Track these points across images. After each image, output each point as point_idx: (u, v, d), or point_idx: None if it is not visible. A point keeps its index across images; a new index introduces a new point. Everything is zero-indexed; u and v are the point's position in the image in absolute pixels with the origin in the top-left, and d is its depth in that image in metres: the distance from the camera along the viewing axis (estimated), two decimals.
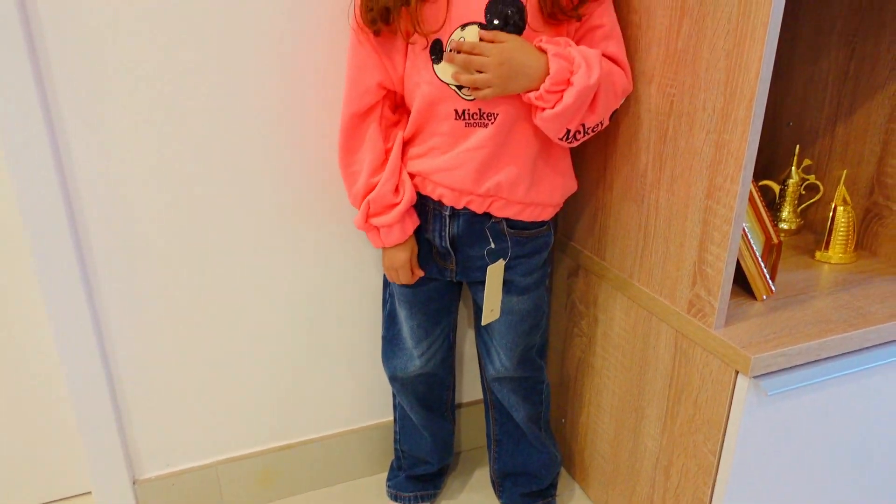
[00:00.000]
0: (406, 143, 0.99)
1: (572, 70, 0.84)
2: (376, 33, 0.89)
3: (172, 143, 1.01)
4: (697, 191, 0.88)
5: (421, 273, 1.04)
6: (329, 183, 1.11)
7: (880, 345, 0.89)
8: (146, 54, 0.96)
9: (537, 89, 0.86)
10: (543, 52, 0.86)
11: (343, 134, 0.97)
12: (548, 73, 0.84)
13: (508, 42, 0.85)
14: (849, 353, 0.88)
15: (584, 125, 0.90)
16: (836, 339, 0.85)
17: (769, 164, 1.27)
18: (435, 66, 0.90)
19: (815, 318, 0.90)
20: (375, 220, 0.97)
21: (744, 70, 0.77)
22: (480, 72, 0.85)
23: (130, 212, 1.03)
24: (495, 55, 0.84)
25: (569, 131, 0.90)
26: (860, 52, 1.07)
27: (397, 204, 0.96)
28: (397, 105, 0.99)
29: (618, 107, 0.94)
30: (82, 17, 0.91)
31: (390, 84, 0.95)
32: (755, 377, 0.83)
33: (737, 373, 0.84)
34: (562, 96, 0.85)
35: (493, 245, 1.01)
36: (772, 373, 0.84)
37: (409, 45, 0.90)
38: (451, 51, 0.87)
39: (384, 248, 1.01)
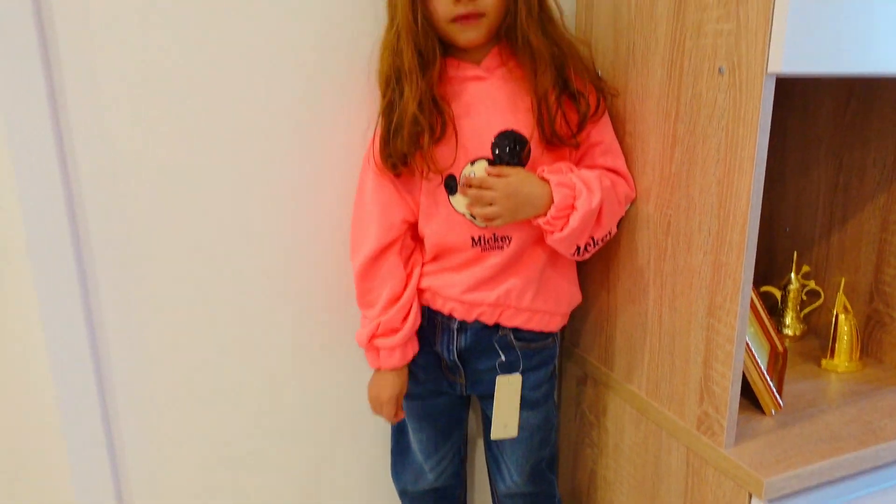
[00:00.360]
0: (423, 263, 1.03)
1: (575, 195, 0.89)
2: (397, 176, 0.95)
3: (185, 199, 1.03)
4: (699, 308, 0.89)
5: (402, 415, 1.05)
6: (339, 292, 1.13)
7: (893, 462, 0.88)
8: (154, 65, 0.96)
9: (544, 215, 0.90)
10: (546, 181, 0.91)
11: (365, 265, 0.98)
12: (552, 201, 0.89)
13: (513, 176, 0.90)
14: (862, 472, 0.87)
15: (592, 238, 0.95)
16: (848, 458, 0.85)
17: (768, 268, 1.29)
18: (451, 198, 0.95)
19: (826, 435, 0.89)
20: (379, 341, 0.99)
21: (735, 197, 0.81)
22: (491, 204, 0.90)
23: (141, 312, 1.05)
24: (502, 189, 0.89)
25: (579, 247, 0.94)
26: (848, 166, 1.12)
27: (400, 329, 0.98)
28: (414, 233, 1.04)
29: (623, 213, 0.99)
30: (97, 25, 0.92)
31: (412, 217, 1.00)
32: (769, 501, 0.82)
33: (750, 495, 0.83)
34: (568, 220, 0.90)
35: (502, 357, 1.02)
36: (786, 496, 0.82)
37: (424, 181, 0.96)
38: (462, 185, 0.93)
39: (375, 374, 1.03)
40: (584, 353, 1.18)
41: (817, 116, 1.16)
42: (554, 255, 0.99)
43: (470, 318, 1.00)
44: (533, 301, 0.99)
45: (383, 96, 0.94)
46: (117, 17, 0.93)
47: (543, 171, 0.92)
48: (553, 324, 1.04)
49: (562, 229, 0.90)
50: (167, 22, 0.94)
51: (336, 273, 1.11)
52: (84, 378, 1.05)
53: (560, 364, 1.27)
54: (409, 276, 1.01)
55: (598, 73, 0.98)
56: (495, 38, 0.92)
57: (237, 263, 1.07)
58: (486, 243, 0.96)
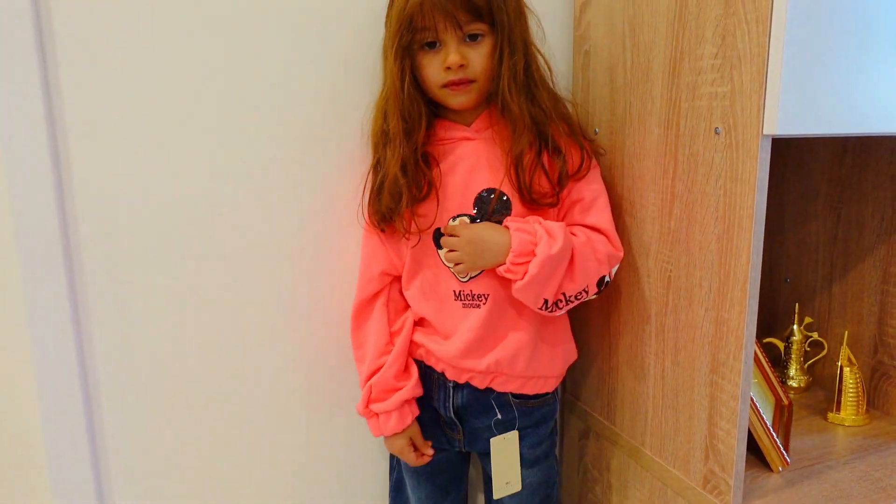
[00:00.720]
0: (414, 323, 1.03)
1: (535, 242, 0.88)
2: (383, 231, 0.97)
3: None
4: (702, 364, 0.89)
5: (430, 453, 1.03)
6: (336, 344, 1.12)
7: None
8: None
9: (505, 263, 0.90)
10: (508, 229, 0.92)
11: (352, 319, 1.02)
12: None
13: (477, 225, 0.92)
14: None
15: (564, 294, 0.92)
16: None
17: (770, 319, 1.29)
18: (439, 251, 0.96)
19: (835, 494, 0.88)
20: (375, 406, 0.98)
21: (735, 255, 0.81)
22: (455, 251, 0.93)
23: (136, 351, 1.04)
24: (464, 235, 0.92)
25: (546, 301, 0.91)
26: (846, 218, 1.13)
27: (399, 389, 0.98)
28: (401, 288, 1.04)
29: (607, 273, 0.95)
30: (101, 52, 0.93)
31: (394, 271, 1.01)
32: None
33: None
34: (527, 267, 0.88)
35: (499, 416, 1.01)
36: None
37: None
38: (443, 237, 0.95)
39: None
40: (586, 407, 1.17)
41: (814, 170, 1.17)
42: (543, 318, 0.98)
43: (461, 379, 0.99)
44: (526, 368, 0.98)
45: (373, 154, 0.97)
46: (117, 27, 0.93)
47: (507, 220, 0.93)
48: (548, 385, 1.03)
49: (523, 276, 0.88)
50: (168, 52, 0.95)
51: (337, 288, 1.09)
52: (68, 380, 1.01)
53: (562, 416, 1.25)
54: (395, 333, 1.01)
55: (582, 133, 0.98)
56: (486, 101, 0.94)
57: (230, 269, 1.05)
58: (466, 298, 0.96)
